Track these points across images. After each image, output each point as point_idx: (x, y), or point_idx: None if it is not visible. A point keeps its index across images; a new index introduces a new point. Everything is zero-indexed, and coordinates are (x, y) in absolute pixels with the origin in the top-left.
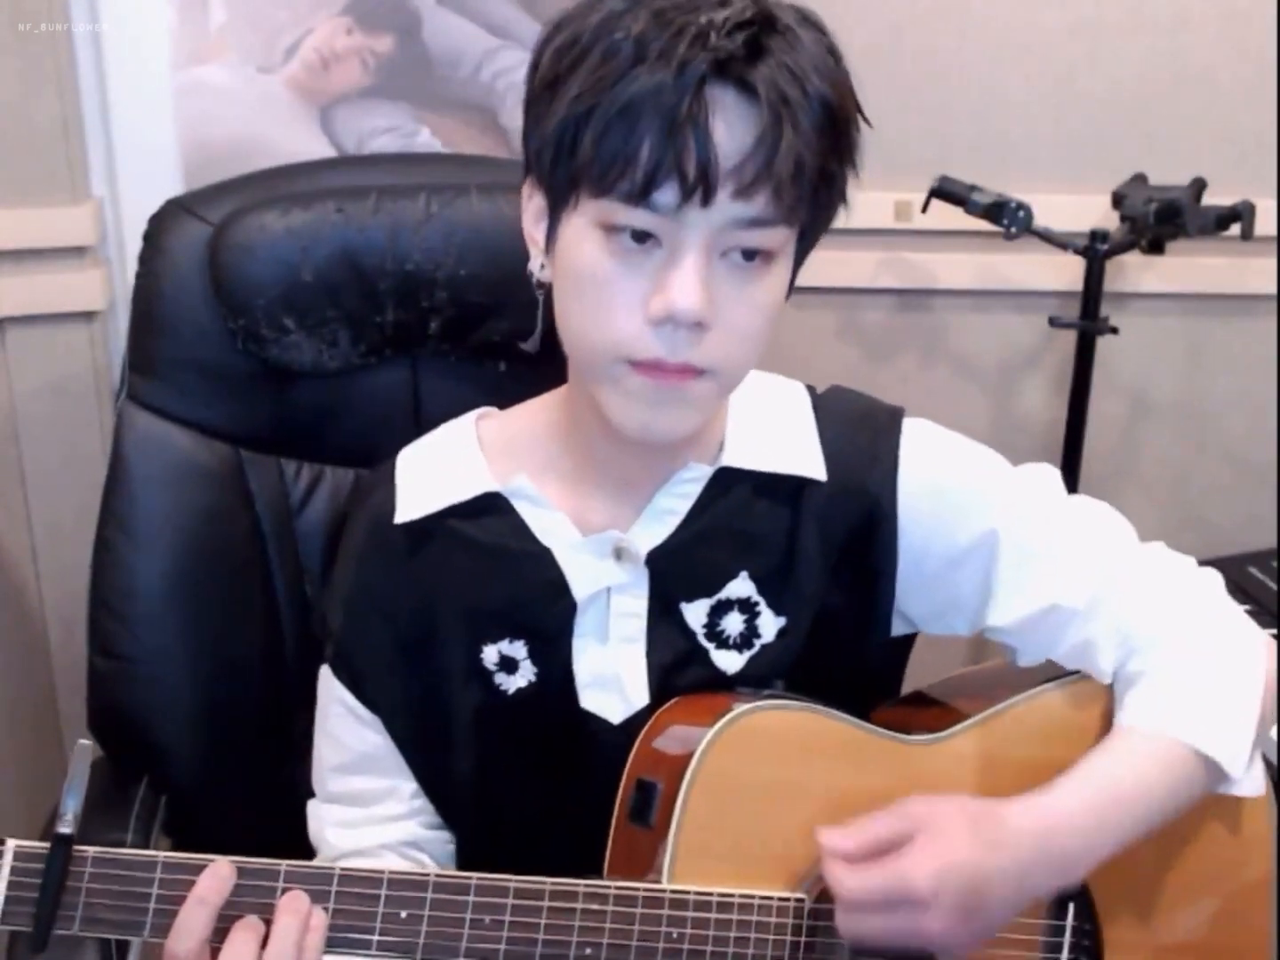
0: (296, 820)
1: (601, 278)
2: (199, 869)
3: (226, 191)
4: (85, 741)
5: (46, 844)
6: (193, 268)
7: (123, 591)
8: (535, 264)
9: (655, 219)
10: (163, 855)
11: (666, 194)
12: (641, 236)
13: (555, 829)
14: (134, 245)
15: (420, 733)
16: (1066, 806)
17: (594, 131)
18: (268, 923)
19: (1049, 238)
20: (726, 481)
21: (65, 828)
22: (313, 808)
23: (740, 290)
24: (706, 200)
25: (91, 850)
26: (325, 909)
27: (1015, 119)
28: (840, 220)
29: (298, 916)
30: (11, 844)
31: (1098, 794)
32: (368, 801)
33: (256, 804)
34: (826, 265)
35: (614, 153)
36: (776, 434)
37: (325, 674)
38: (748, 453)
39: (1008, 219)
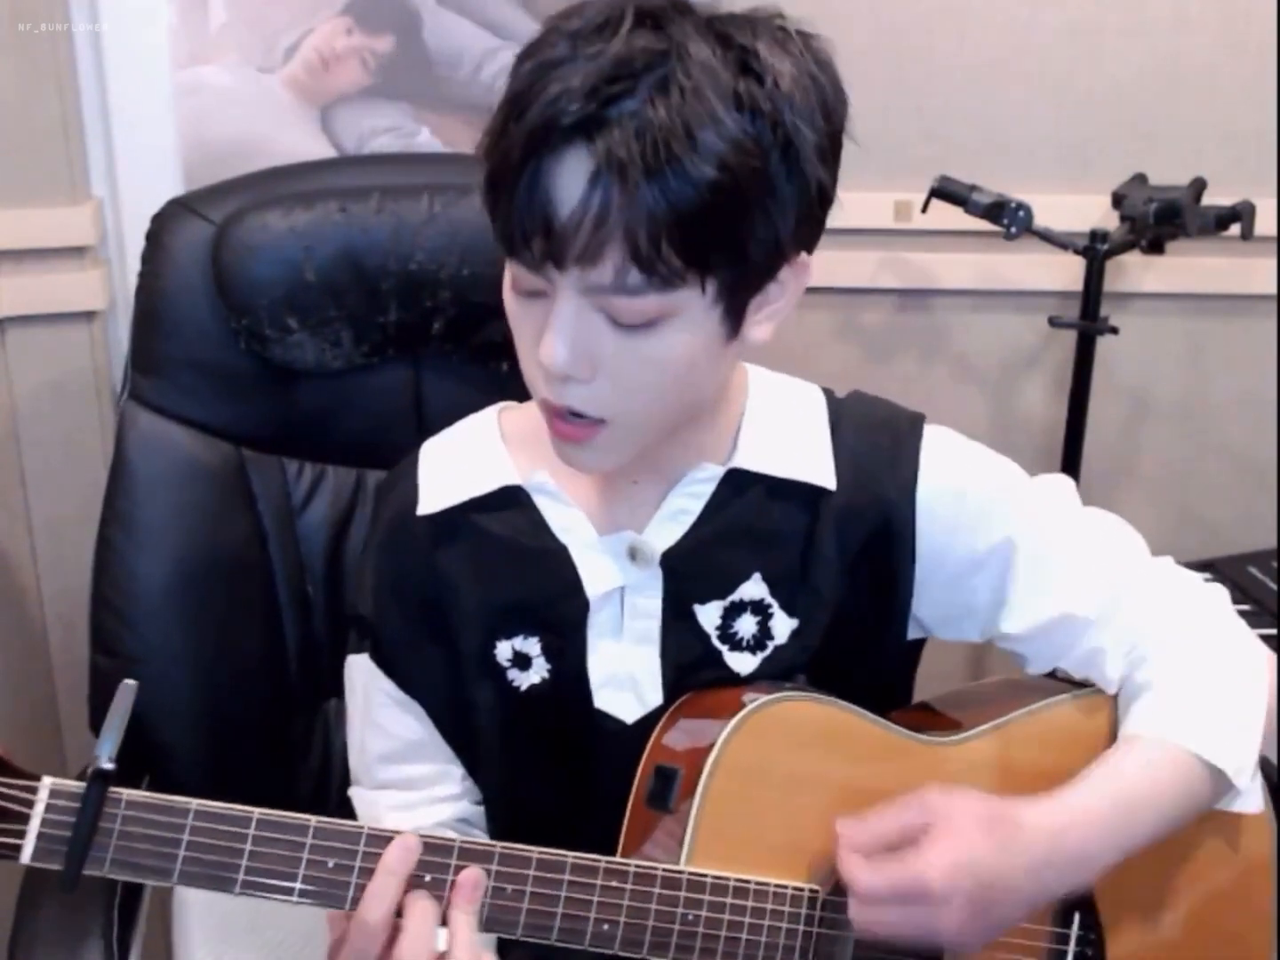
0: None
1: (514, 317)
2: (230, 819)
3: (229, 191)
4: (130, 681)
5: (83, 783)
6: (195, 267)
7: (125, 591)
8: None
9: (529, 275)
10: (195, 803)
11: (526, 256)
12: (532, 283)
13: (572, 821)
14: (134, 245)
15: (450, 723)
16: (1080, 809)
17: (486, 186)
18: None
19: (1049, 238)
20: (740, 482)
21: (104, 764)
22: (360, 794)
23: (626, 345)
24: (560, 266)
25: (126, 793)
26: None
27: (1015, 119)
28: (840, 220)
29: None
30: (48, 781)
31: (1110, 797)
32: (422, 785)
33: (257, 803)
34: (826, 265)
35: (493, 210)
36: (790, 439)
37: (361, 663)
38: (760, 456)
39: (1008, 219)
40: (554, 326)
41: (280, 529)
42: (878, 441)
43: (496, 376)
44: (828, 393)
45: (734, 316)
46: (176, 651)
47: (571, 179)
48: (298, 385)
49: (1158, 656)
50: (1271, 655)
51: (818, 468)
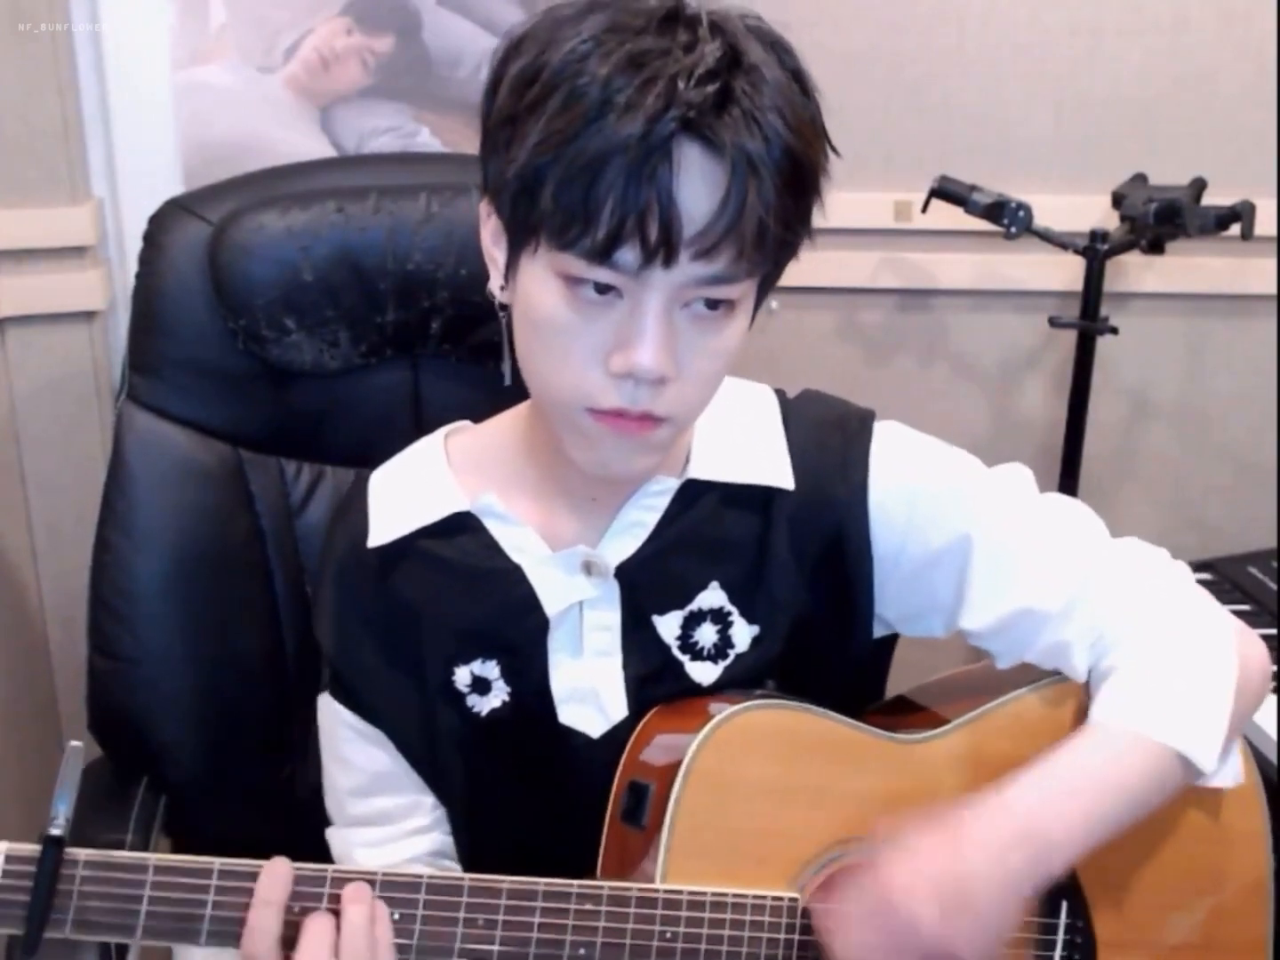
0: (296, 820)
1: (562, 327)
2: (189, 871)
3: (226, 191)
4: (76, 744)
5: (38, 846)
6: (193, 268)
7: (122, 592)
8: (495, 284)
9: (616, 276)
10: (154, 858)
11: (627, 255)
12: (604, 288)
13: (543, 842)
14: (134, 245)
15: (413, 749)
16: (1036, 791)
17: (554, 184)
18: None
19: (1049, 238)
20: (694, 493)
21: (56, 830)
22: (334, 834)
23: (702, 339)
24: (668, 263)
25: (83, 853)
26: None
27: (1015, 119)
28: (840, 220)
29: (366, 905)
30: (2, 846)
31: (1066, 782)
32: (393, 819)
33: (256, 804)
34: (826, 265)
35: (574, 209)
36: (744, 444)
37: (325, 700)
38: (714, 464)
39: (1008, 219)
40: (647, 330)
41: (279, 529)
42: (828, 443)
43: (494, 376)
44: (779, 393)
45: (757, 306)
46: (174, 652)
47: (699, 175)
48: (296, 386)
49: (1122, 643)
50: (1243, 629)
51: (774, 469)
